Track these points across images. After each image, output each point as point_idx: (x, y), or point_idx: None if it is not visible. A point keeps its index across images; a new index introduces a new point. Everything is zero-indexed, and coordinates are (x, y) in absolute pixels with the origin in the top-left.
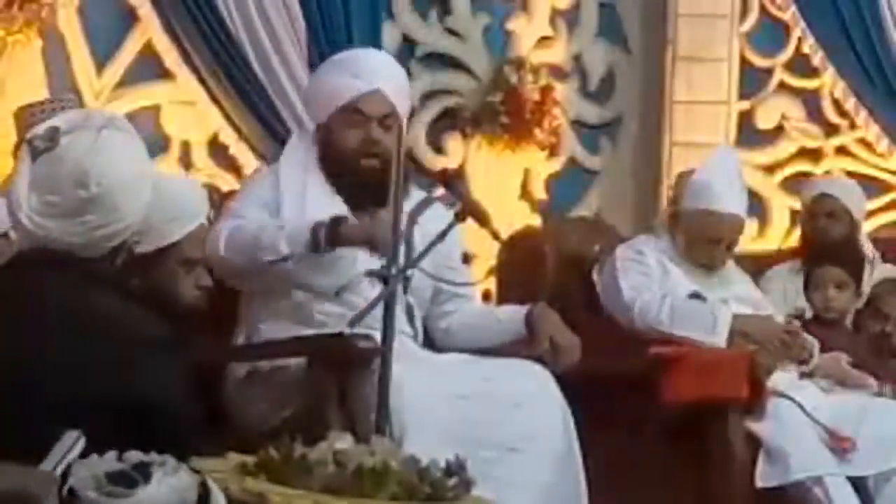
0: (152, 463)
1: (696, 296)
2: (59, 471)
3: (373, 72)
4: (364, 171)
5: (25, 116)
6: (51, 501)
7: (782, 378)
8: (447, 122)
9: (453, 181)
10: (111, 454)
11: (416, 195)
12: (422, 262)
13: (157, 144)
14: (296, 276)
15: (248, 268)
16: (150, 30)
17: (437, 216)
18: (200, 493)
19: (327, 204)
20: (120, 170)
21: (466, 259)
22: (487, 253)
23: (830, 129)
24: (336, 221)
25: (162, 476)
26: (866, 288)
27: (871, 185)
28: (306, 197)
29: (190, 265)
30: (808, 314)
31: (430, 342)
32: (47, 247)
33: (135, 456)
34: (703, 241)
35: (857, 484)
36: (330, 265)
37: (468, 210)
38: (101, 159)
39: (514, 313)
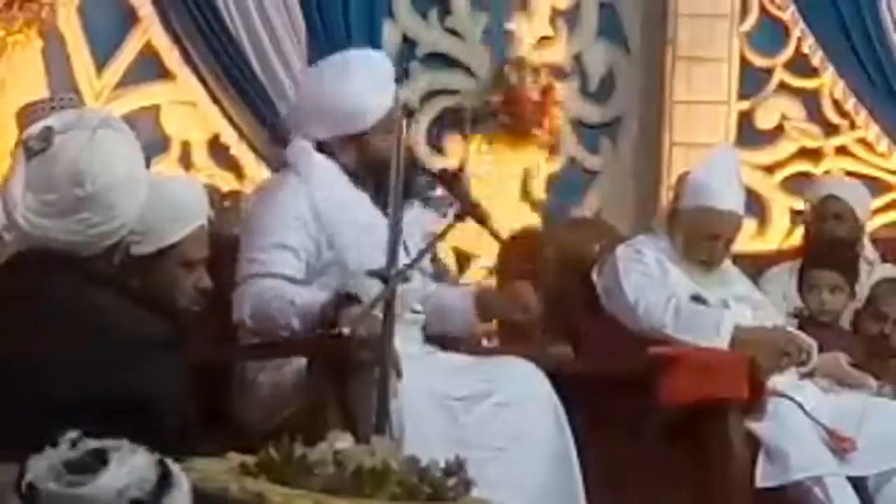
0: (108, 448)
1: (697, 298)
2: None
3: (390, 76)
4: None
5: (26, 115)
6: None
7: (782, 378)
8: (447, 122)
9: (453, 181)
10: (65, 444)
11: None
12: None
13: (157, 144)
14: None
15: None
16: (150, 30)
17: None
18: (161, 471)
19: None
20: (115, 168)
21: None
22: (487, 253)
23: (830, 129)
24: (340, 305)
25: (119, 459)
26: (863, 290)
27: (871, 185)
28: (358, 205)
29: (190, 266)
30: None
31: None
32: (46, 246)
33: (90, 443)
34: (702, 238)
35: (857, 484)
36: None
37: (468, 210)
38: (97, 158)
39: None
